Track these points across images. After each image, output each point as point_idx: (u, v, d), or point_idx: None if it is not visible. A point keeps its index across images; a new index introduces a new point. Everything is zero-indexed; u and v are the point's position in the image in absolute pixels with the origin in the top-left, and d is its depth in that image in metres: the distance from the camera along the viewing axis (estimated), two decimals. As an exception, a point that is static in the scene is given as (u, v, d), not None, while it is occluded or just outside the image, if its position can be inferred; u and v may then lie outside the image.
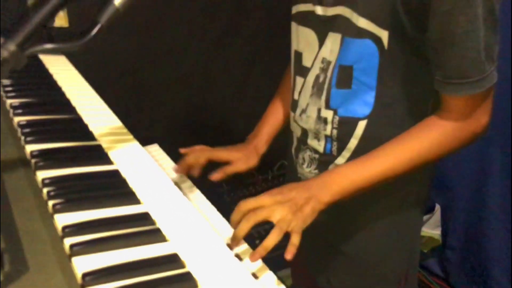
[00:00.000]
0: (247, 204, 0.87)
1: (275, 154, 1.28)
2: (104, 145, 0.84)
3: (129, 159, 0.81)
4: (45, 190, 0.67)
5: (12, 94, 0.97)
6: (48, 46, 0.61)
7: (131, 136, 0.90)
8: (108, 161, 0.79)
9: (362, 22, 0.94)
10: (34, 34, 0.59)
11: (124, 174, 0.76)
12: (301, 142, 1.15)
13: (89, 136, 0.87)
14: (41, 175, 0.71)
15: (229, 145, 1.22)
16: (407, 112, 1.01)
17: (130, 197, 0.70)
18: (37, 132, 0.82)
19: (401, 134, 0.97)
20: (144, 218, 0.66)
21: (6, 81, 0.99)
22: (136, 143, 0.89)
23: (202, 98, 1.97)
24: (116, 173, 0.76)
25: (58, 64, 1.22)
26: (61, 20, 1.58)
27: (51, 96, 1.00)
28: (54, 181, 0.69)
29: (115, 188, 0.72)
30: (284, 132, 1.30)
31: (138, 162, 0.82)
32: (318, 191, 0.93)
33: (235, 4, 1.87)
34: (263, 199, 0.89)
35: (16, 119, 0.86)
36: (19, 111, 0.89)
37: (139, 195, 0.71)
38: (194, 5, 1.82)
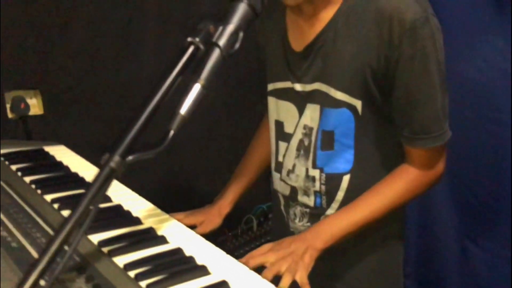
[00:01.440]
0: (255, 260, 1.02)
1: (241, 209, 1.43)
2: (154, 227, 0.96)
3: (178, 235, 0.94)
4: (131, 274, 0.78)
5: (48, 189, 1.05)
6: (138, 155, 0.73)
7: (167, 215, 1.02)
8: (165, 241, 0.92)
9: (339, 95, 1.14)
10: (133, 144, 0.71)
11: (185, 250, 0.88)
12: (290, 199, 1.30)
13: (138, 221, 0.98)
14: (119, 261, 0.82)
15: (196, 208, 1.35)
16: (382, 164, 1.21)
17: (203, 270, 0.83)
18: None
19: (377, 184, 1.18)
20: (224, 285, 0.79)
21: (34, 178, 1.08)
22: (174, 221, 1.01)
23: (170, 165, 2.08)
24: (179, 251, 0.88)
25: (65, 154, 1.32)
26: (35, 108, 1.65)
27: (82, 187, 1.09)
28: (133, 264, 0.81)
29: (186, 263, 0.84)
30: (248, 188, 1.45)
31: (187, 237, 0.95)
32: (313, 240, 1.10)
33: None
34: (269, 256, 1.05)
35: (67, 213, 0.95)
36: (64, 204, 0.99)
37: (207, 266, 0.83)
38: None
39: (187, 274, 0.80)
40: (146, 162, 1.81)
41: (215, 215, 1.37)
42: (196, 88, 0.82)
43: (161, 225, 0.97)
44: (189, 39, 0.82)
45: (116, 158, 0.70)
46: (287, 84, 1.23)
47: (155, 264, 0.82)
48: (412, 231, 2.04)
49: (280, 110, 1.27)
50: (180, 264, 0.84)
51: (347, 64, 1.11)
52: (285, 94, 1.24)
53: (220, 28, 0.86)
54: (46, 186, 1.07)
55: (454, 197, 1.87)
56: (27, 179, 1.11)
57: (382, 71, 1.08)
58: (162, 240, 0.92)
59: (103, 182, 0.69)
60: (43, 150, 1.32)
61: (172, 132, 0.78)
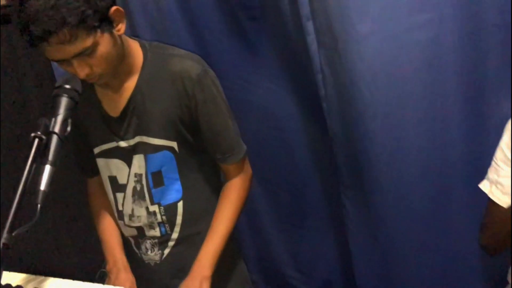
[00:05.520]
0: None
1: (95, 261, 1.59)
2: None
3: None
4: None
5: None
6: (20, 229, 0.93)
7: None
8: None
9: (157, 141, 1.42)
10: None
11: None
12: (138, 238, 1.53)
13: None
14: None
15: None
16: (205, 185, 1.53)
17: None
18: None
19: (218, 205, 1.48)
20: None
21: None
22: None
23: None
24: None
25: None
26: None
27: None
28: None
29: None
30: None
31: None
32: (200, 273, 1.40)
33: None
34: None
35: None
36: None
37: None
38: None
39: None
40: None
41: (129, 276, 1.52)
42: (48, 168, 1.06)
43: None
44: (32, 134, 1.06)
45: (5, 235, 0.90)
46: (112, 145, 1.45)
47: None
48: (247, 236, 2.38)
49: (111, 167, 1.48)
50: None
51: (159, 117, 1.39)
52: (112, 153, 1.46)
53: (53, 119, 1.11)
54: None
55: (267, 195, 2.24)
56: None
57: (187, 117, 1.39)
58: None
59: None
60: None
61: (39, 206, 1.00)
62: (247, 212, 2.21)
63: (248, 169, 1.53)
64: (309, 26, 1.72)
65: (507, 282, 1.58)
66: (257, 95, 2.06)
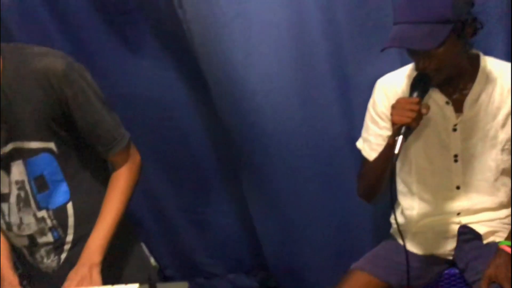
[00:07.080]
0: None
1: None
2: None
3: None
4: None
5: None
6: None
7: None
8: None
9: (33, 144, 1.36)
10: None
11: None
12: (32, 246, 1.47)
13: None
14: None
15: None
16: (94, 181, 1.49)
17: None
18: None
19: (107, 195, 1.44)
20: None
21: None
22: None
23: None
24: None
25: None
26: None
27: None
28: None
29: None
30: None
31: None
32: (90, 260, 1.37)
33: None
34: None
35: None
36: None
37: None
38: None
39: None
40: None
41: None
42: None
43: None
44: None
45: None
46: None
47: None
48: (153, 224, 2.34)
49: None
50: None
51: (30, 119, 1.33)
52: None
53: None
54: None
55: (170, 183, 2.24)
56: None
57: (59, 114, 1.35)
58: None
59: None
60: None
61: None
62: (151, 199, 2.24)
63: (135, 155, 1.50)
64: (181, 14, 1.73)
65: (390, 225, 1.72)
66: (142, 87, 2.05)
